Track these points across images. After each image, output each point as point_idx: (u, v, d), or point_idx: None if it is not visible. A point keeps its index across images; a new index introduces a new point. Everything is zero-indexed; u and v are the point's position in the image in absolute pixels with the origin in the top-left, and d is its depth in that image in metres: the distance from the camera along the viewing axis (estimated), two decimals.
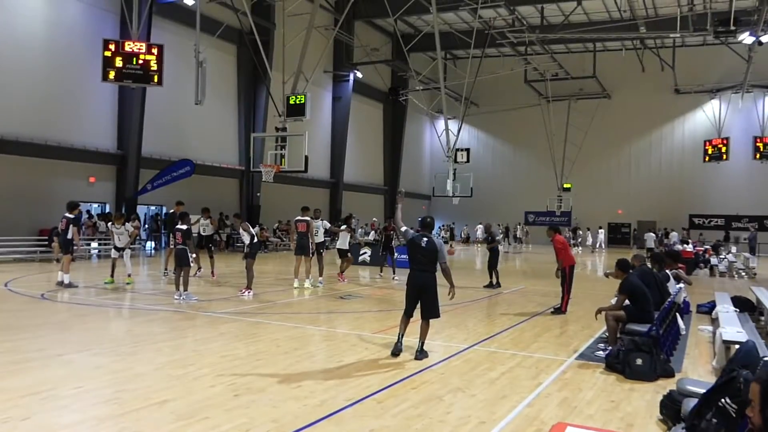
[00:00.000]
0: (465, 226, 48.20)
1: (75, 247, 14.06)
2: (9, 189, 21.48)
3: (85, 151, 24.34)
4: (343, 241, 17.04)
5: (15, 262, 19.95)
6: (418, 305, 7.71)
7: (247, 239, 13.19)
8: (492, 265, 16.32)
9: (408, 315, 7.68)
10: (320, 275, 15.33)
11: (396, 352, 7.55)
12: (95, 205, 27.01)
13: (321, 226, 15.34)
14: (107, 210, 26.08)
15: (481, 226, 45.24)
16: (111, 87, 24.75)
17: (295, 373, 6.90)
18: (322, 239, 15.61)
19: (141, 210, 28.36)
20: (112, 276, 14.44)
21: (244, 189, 32.31)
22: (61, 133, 23.42)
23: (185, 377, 6.56)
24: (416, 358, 7.51)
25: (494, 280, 16.22)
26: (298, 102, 20.60)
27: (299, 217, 14.77)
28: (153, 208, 29.21)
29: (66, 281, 13.53)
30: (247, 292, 12.94)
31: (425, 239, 7.58)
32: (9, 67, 21.76)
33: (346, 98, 39.98)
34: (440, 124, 40.70)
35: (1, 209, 21.02)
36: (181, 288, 12.23)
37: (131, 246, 16.00)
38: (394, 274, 17.45)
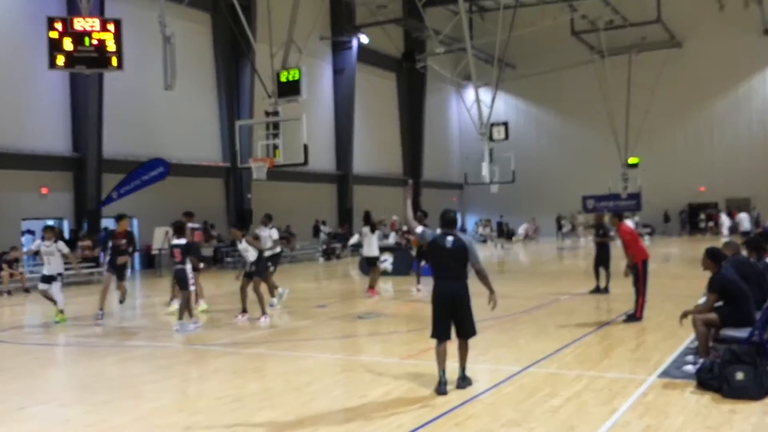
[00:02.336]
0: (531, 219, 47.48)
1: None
2: None
3: (33, 156, 24.64)
4: (370, 246, 17.02)
5: None
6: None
7: (252, 256, 13.23)
8: (601, 263, 16.05)
9: (443, 338, 7.50)
10: (272, 295, 15.07)
11: (442, 391, 7.40)
12: (50, 221, 27.30)
13: (269, 236, 15.33)
14: (66, 226, 26.36)
15: (526, 224, 45.12)
16: (61, 76, 25.02)
17: (309, 414, 6.91)
18: (279, 250, 15.95)
19: (108, 224, 28.63)
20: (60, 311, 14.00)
21: (231, 190, 32.52)
22: (3, 136, 23.71)
23: (174, 427, 6.60)
24: (458, 387, 7.49)
25: (603, 284, 15.94)
26: (291, 79, 20.66)
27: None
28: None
29: None
30: (263, 318, 13.00)
31: (449, 238, 7.47)
32: None
33: (350, 70, 40.06)
34: (469, 93, 40.59)
35: None
36: (185, 316, 12.39)
37: (67, 272, 15.20)
38: (418, 283, 17.37)
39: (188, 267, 12.41)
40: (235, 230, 13.86)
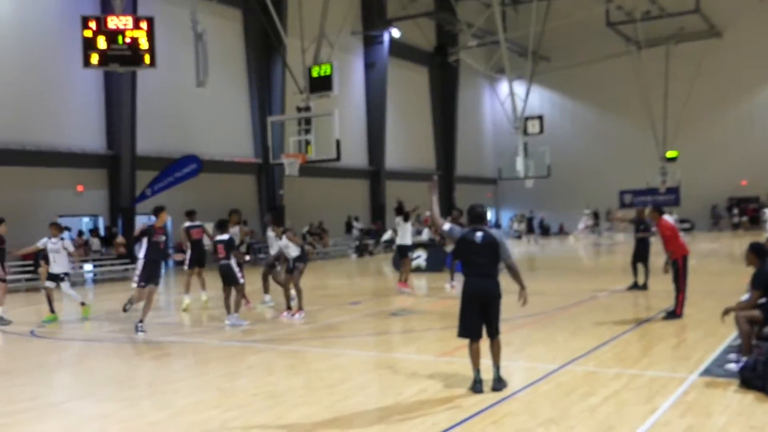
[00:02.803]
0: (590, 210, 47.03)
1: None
2: None
3: (69, 154, 25.06)
4: (404, 235, 17.02)
5: None
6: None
7: (294, 251, 13.25)
8: (639, 259, 15.91)
9: (476, 337, 7.43)
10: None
11: (478, 389, 7.34)
12: (86, 219, 27.80)
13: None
14: (101, 224, 26.79)
15: (584, 219, 44.66)
16: (95, 75, 25.41)
17: (343, 411, 6.95)
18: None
19: (143, 221, 29.04)
20: (52, 310, 13.99)
21: (263, 187, 32.74)
22: (40, 134, 24.16)
23: (210, 423, 6.69)
24: (494, 389, 7.38)
25: (641, 280, 15.80)
26: (322, 74, 20.74)
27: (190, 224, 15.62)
28: (155, 218, 29.87)
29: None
30: (298, 314, 13.08)
31: (479, 234, 7.37)
32: None
33: (382, 64, 40.06)
34: (503, 87, 40.37)
35: None
36: (232, 310, 12.57)
37: (76, 268, 15.47)
38: (452, 280, 17.19)
39: (233, 262, 12.65)
40: (276, 226, 13.89)
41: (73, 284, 22.17)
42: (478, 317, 7.38)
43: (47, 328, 13.29)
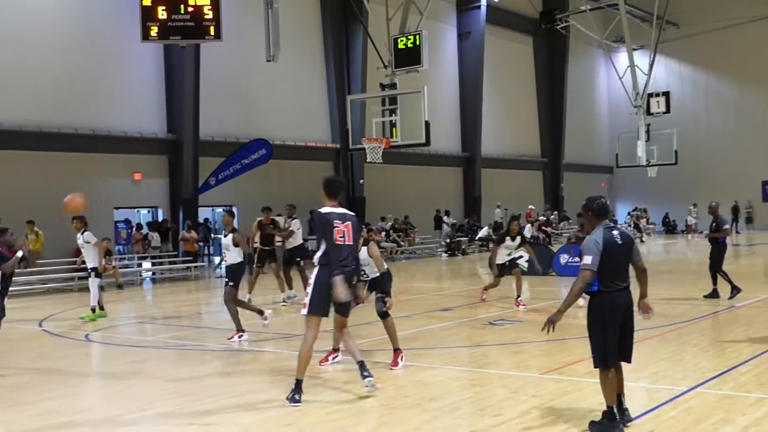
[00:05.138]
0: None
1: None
2: (32, 195, 23.15)
3: (126, 138, 25.86)
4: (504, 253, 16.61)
5: (48, 293, 21.61)
6: None
7: (237, 257, 13.87)
8: (714, 264, 15.84)
9: (614, 362, 6.90)
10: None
11: (626, 420, 6.95)
12: (144, 211, 28.65)
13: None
14: (161, 217, 27.54)
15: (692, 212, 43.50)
16: (154, 50, 26.17)
17: None
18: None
19: (204, 215, 29.80)
20: (101, 308, 15.20)
21: (340, 175, 33.00)
22: (94, 117, 25.00)
23: None
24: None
25: (728, 288, 15.63)
26: (410, 45, 20.81)
27: None
28: (220, 210, 30.57)
29: None
30: (236, 336, 12.83)
31: (616, 233, 6.96)
32: (21, 38, 23.53)
33: (478, 34, 39.85)
34: (621, 58, 39.55)
35: (23, 223, 22.67)
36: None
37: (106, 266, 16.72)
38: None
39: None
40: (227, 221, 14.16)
41: (130, 284, 23.13)
42: (617, 339, 6.90)
43: (104, 332, 13.80)
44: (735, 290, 15.61)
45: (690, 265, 26.71)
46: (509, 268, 15.66)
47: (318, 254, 8.19)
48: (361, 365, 8.34)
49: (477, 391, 8.69)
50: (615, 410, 6.83)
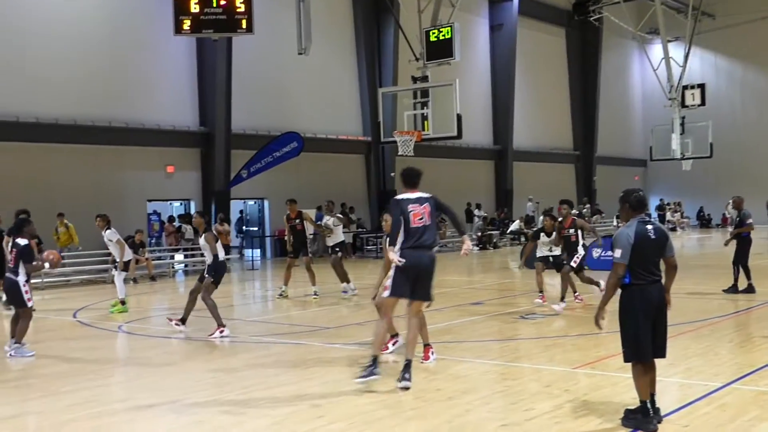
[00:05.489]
0: None
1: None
2: (68, 187, 23.54)
3: (158, 131, 26.10)
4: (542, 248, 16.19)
5: (82, 284, 21.87)
6: None
7: (208, 258, 14.18)
8: (738, 259, 15.74)
9: (650, 358, 6.82)
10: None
11: (654, 425, 6.76)
12: (176, 204, 28.92)
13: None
14: (192, 209, 27.76)
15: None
16: (187, 44, 26.34)
17: (464, 428, 6.98)
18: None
19: (236, 207, 30.00)
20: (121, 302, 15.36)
21: (371, 168, 33.06)
22: (127, 110, 25.28)
23: None
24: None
25: (743, 282, 15.60)
26: (441, 38, 20.77)
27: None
28: (252, 202, 30.78)
29: None
30: (217, 332, 12.45)
31: (650, 227, 6.89)
32: (57, 33, 23.83)
33: (511, 26, 39.65)
34: (656, 50, 39.18)
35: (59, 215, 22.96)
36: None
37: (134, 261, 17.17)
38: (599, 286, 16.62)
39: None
40: (198, 218, 14.67)
41: (163, 276, 23.34)
42: (650, 333, 6.82)
43: (137, 323, 13.97)
44: (733, 288, 15.57)
45: (725, 260, 26.32)
46: (554, 265, 15.26)
47: (399, 239, 8.58)
48: (407, 366, 8.40)
49: (509, 384, 8.67)
50: (651, 405, 6.76)
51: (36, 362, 10.55)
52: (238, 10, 18.44)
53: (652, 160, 40.07)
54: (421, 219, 8.69)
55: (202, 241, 12.54)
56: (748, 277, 15.67)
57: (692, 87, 35.01)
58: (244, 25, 18.46)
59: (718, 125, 38.19)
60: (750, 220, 15.81)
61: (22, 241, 10.77)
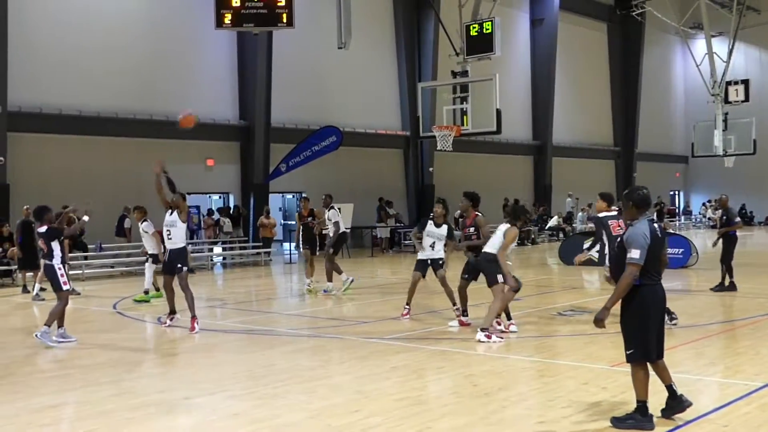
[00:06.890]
0: None
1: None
2: (109, 180, 23.82)
3: (199, 125, 26.10)
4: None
5: (123, 276, 22.14)
6: None
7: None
8: (724, 257, 15.63)
9: (659, 356, 6.79)
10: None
11: (685, 405, 6.81)
12: (216, 197, 29.13)
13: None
14: (231, 202, 27.97)
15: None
16: (227, 37, 26.51)
17: (500, 425, 6.95)
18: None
19: (275, 201, 30.13)
20: (157, 289, 15.64)
21: (410, 163, 33.03)
22: (168, 104, 25.42)
23: (350, 429, 6.87)
24: (679, 411, 6.92)
25: (728, 280, 15.48)
26: (482, 32, 20.63)
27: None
28: (290, 196, 30.89)
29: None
30: (195, 323, 12.37)
31: (656, 225, 6.81)
32: (100, 26, 24.11)
33: (552, 20, 39.36)
34: (699, 45, 38.60)
35: (102, 208, 23.25)
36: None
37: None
38: None
39: None
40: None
41: (201, 268, 23.54)
42: (657, 333, 6.80)
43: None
44: (720, 286, 15.31)
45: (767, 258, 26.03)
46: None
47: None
48: None
49: (546, 381, 8.62)
50: (675, 392, 6.78)
51: (75, 353, 10.69)
52: (279, 4, 18.56)
53: (694, 157, 39.59)
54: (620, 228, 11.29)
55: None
56: (731, 275, 15.50)
57: (736, 83, 34.46)
58: (284, 19, 18.59)
59: (762, 122, 37.57)
60: (737, 219, 15.73)
61: (42, 228, 11.29)
